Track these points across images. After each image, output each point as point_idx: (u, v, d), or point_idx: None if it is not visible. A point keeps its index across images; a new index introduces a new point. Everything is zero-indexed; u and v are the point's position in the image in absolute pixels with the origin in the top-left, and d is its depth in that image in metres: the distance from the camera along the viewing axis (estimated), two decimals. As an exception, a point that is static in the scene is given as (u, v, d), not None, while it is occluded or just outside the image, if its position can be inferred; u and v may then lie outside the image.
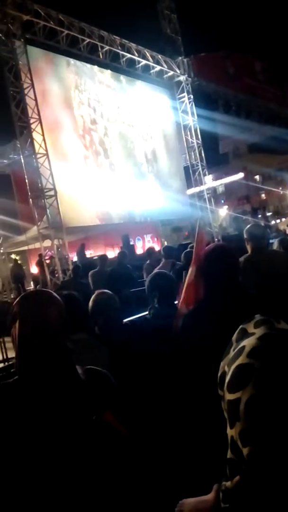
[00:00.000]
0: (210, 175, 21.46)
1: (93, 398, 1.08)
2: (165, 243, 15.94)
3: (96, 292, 2.35)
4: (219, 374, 0.73)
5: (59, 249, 10.42)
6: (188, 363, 1.57)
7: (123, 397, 1.57)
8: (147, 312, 2.24)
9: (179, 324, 1.86)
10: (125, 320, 2.55)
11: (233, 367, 0.68)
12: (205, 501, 0.87)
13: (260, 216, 22.06)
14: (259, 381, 0.63)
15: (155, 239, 17.83)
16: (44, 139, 10.21)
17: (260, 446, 0.62)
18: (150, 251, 7.05)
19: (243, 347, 0.68)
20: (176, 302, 2.54)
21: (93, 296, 2.27)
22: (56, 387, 1.04)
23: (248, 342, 0.68)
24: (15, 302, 1.14)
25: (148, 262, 6.36)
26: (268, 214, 24.84)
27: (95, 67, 13.44)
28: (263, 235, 3.37)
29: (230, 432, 0.67)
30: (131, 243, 13.34)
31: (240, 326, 0.75)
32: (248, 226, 3.31)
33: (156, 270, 2.59)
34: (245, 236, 3.17)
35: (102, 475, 1.08)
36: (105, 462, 1.09)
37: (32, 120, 10.09)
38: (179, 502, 0.96)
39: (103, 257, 6.93)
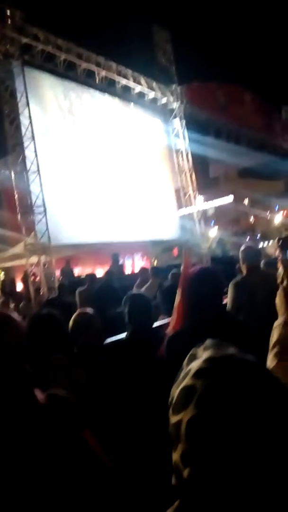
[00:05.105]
0: (201, 196, 21.76)
1: (55, 421, 1.07)
2: (155, 263, 15.96)
3: (78, 311, 2.34)
4: (169, 401, 0.71)
5: (45, 266, 10.35)
6: (170, 386, 1.57)
7: (99, 418, 1.56)
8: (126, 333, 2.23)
9: (164, 346, 1.85)
10: (106, 341, 2.54)
11: (178, 390, 0.68)
12: None
13: (248, 238, 22.33)
14: (200, 401, 0.62)
15: (145, 258, 17.85)
16: (36, 157, 10.30)
17: (199, 465, 0.61)
18: (143, 271, 7.11)
19: (189, 369, 0.69)
20: (158, 322, 2.54)
21: (74, 315, 2.25)
22: (13, 412, 1.02)
23: (194, 365, 0.68)
24: None
25: (139, 281, 6.37)
26: (257, 237, 25.12)
27: (91, 90, 13.74)
28: (257, 256, 3.47)
29: (173, 456, 0.66)
30: (120, 262, 13.31)
31: (191, 351, 0.75)
32: (242, 247, 3.42)
33: (135, 291, 2.60)
34: (240, 256, 3.27)
35: (78, 494, 1.06)
36: (82, 481, 1.07)
37: (25, 139, 10.20)
38: None
39: (92, 276, 6.91)
